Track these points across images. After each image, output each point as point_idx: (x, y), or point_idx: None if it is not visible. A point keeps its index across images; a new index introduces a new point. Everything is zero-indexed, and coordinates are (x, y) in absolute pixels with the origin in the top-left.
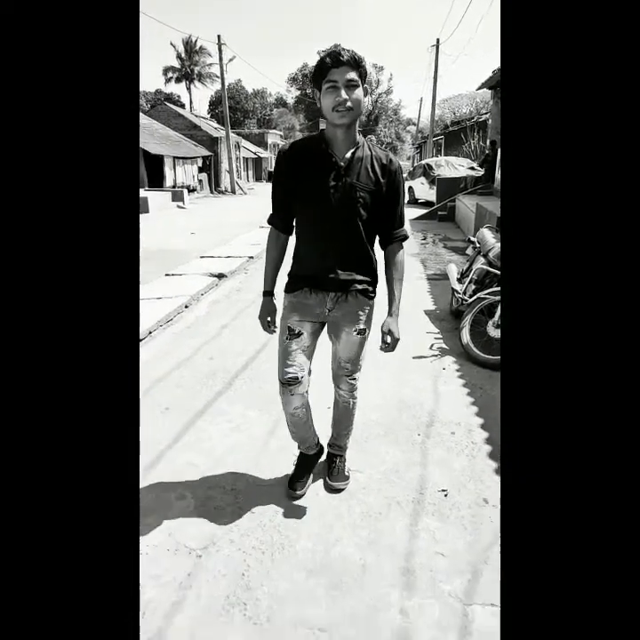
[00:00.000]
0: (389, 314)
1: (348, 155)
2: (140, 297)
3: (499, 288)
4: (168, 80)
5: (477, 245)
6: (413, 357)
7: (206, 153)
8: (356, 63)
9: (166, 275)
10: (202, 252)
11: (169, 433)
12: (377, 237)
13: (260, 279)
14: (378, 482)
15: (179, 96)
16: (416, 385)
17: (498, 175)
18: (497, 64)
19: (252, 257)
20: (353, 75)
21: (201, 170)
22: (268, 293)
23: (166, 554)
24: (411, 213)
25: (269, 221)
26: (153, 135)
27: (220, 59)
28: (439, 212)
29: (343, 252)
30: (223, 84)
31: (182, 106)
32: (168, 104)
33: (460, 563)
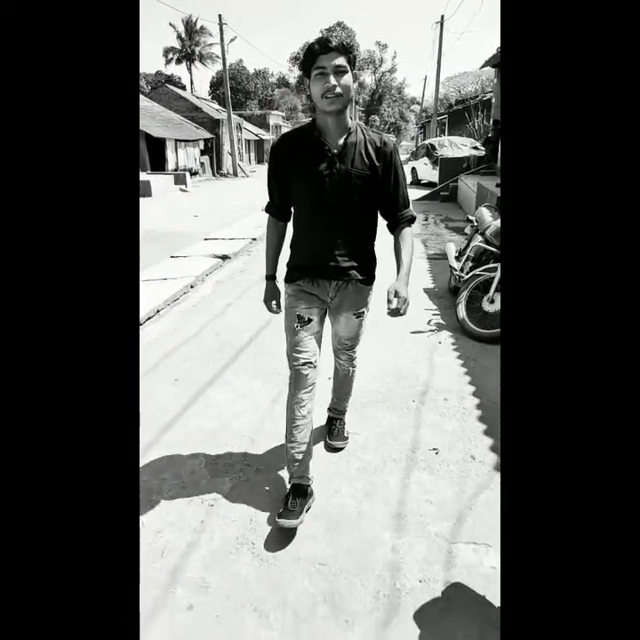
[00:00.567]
0: (397, 278)
1: (341, 142)
2: (146, 278)
3: (494, 265)
4: (168, 61)
5: (475, 224)
6: (411, 332)
7: (208, 135)
8: (345, 49)
9: (171, 257)
10: (205, 234)
11: (179, 401)
12: (375, 221)
13: (263, 260)
14: (374, 442)
15: (179, 77)
16: (413, 357)
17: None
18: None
19: (254, 239)
20: (341, 60)
21: (203, 152)
22: (271, 277)
23: (181, 503)
24: (413, 194)
25: (267, 210)
26: (154, 118)
27: (222, 39)
28: (441, 193)
29: (342, 240)
30: (225, 64)
31: (183, 87)
32: (169, 86)
33: (447, 509)
